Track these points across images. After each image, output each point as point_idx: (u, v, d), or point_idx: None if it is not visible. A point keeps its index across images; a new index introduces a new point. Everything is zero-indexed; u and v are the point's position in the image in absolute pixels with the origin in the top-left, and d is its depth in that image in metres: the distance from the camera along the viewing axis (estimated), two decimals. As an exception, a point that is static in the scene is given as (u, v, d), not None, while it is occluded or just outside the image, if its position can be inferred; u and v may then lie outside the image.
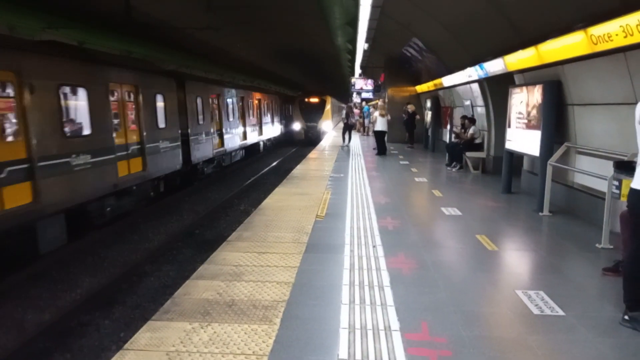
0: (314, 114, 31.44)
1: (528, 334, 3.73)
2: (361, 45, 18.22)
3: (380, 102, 19.31)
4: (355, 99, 39.26)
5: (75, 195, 8.61)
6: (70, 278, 7.75)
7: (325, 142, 23.67)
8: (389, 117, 17.71)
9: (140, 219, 11.28)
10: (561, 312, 4.09)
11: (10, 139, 7.28)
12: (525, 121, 8.64)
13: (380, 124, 16.89)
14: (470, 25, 10.61)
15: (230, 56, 20.01)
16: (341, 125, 25.05)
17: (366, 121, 27.60)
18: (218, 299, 4.21)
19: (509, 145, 9.49)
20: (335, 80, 38.60)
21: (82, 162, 8.73)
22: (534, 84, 8.36)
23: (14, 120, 7.34)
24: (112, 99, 10.11)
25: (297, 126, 31.79)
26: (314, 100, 32.28)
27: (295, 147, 29.73)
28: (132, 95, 11.07)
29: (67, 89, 8.66)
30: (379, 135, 17.07)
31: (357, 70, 28.99)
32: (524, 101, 8.65)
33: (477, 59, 11.03)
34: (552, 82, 7.95)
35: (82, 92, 9.05)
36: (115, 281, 7.59)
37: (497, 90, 11.48)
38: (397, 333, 3.66)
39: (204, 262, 5.28)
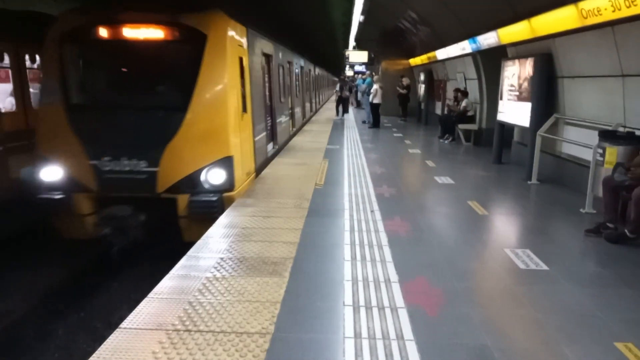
0: (132, 116, 5.95)
1: (514, 285, 4.11)
2: (356, 17, 18.22)
3: (375, 76, 19.34)
4: (348, 71, 39.05)
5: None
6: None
7: (317, 118, 21.23)
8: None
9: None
10: (545, 267, 4.47)
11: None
12: (517, 93, 8.92)
13: (379, 97, 17.06)
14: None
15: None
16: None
17: (358, 95, 26.80)
18: (230, 257, 4.52)
19: (501, 116, 9.80)
20: (328, 52, 35.58)
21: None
22: (526, 57, 8.62)
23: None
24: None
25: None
26: (135, 34, 5.87)
27: None
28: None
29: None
30: (375, 107, 17.25)
31: (352, 42, 28.70)
32: (516, 74, 8.92)
33: (471, 32, 11.22)
34: (543, 55, 8.21)
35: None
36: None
37: (490, 63, 11.72)
38: (397, 284, 4.01)
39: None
